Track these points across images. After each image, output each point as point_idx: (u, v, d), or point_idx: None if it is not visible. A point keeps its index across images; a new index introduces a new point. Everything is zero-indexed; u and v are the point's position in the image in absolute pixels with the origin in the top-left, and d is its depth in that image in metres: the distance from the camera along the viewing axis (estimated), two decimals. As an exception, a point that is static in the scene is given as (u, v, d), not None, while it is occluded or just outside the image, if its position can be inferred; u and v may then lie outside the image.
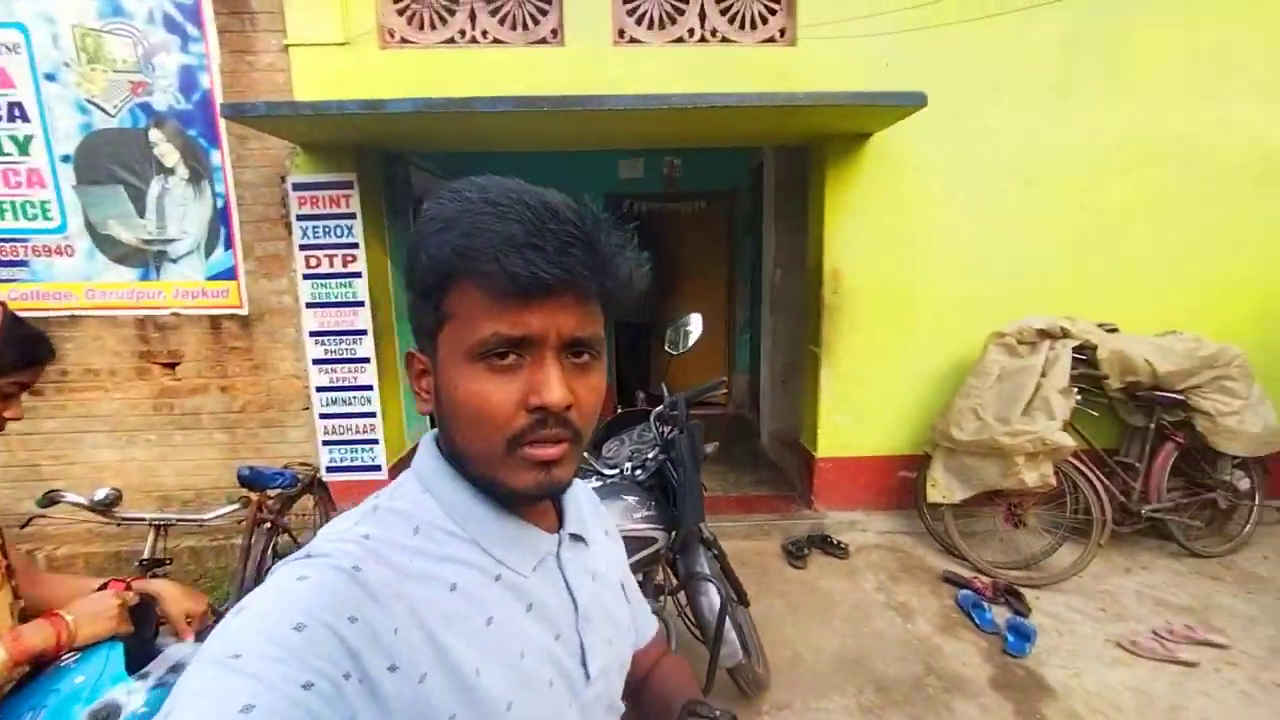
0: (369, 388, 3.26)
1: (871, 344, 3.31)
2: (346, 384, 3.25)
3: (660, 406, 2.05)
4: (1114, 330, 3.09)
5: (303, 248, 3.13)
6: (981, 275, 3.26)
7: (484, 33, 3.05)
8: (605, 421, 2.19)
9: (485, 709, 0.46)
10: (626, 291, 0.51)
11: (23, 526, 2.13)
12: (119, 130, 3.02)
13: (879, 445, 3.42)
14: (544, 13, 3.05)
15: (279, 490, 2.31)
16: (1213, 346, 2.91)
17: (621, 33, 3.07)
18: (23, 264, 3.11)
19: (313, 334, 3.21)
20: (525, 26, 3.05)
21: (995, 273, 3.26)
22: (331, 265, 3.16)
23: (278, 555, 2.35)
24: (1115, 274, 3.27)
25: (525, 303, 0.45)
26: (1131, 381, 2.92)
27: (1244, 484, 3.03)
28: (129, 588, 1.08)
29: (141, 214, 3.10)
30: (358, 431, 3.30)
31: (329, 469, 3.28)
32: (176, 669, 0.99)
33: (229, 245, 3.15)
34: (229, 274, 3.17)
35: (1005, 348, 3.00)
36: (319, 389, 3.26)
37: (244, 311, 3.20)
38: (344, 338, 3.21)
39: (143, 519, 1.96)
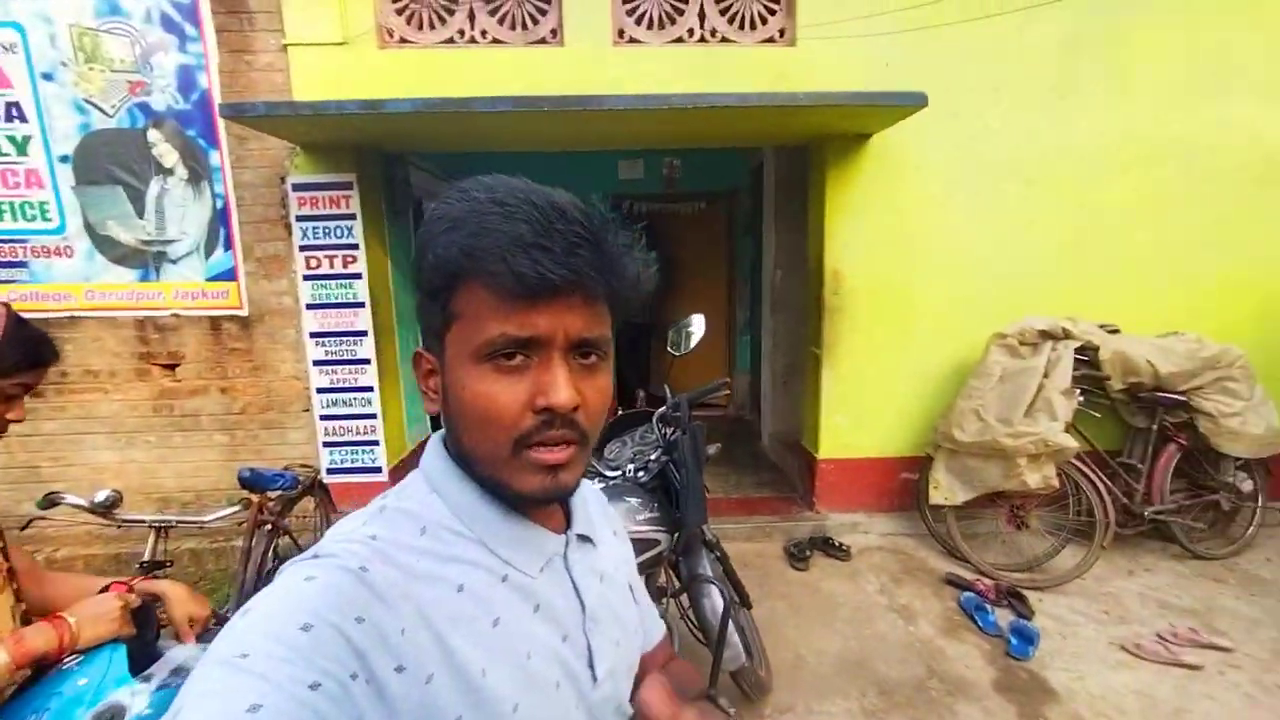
0: (369, 389, 3.25)
1: (872, 345, 3.31)
2: (347, 385, 3.24)
3: (663, 408, 2.04)
4: (1115, 331, 3.08)
5: (303, 248, 3.12)
6: (982, 276, 3.25)
7: (483, 32, 3.04)
8: (607, 423, 2.17)
9: (492, 710, 0.46)
10: (634, 292, 0.50)
11: (23, 528, 2.13)
12: (117, 130, 3.01)
13: (880, 446, 3.41)
14: (543, 12, 3.04)
15: (279, 492, 2.31)
16: (1214, 347, 2.90)
17: (621, 33, 3.06)
18: (22, 265, 3.10)
19: (313, 335, 3.20)
20: (524, 26, 3.05)
21: (996, 273, 3.25)
22: (332, 266, 3.15)
23: (278, 557, 2.35)
24: (1116, 274, 3.26)
25: (533, 303, 0.45)
26: (1133, 382, 2.91)
27: (1246, 486, 3.02)
28: (131, 589, 1.07)
29: (140, 214, 3.09)
30: (358, 433, 3.29)
31: (330, 471, 3.27)
32: (179, 671, 0.98)
33: (229, 246, 3.14)
34: (229, 275, 3.16)
35: (1007, 348, 2.99)
36: (319, 390, 3.25)
37: (244, 312, 3.19)
38: (344, 339, 3.20)
39: (143, 521, 1.95)
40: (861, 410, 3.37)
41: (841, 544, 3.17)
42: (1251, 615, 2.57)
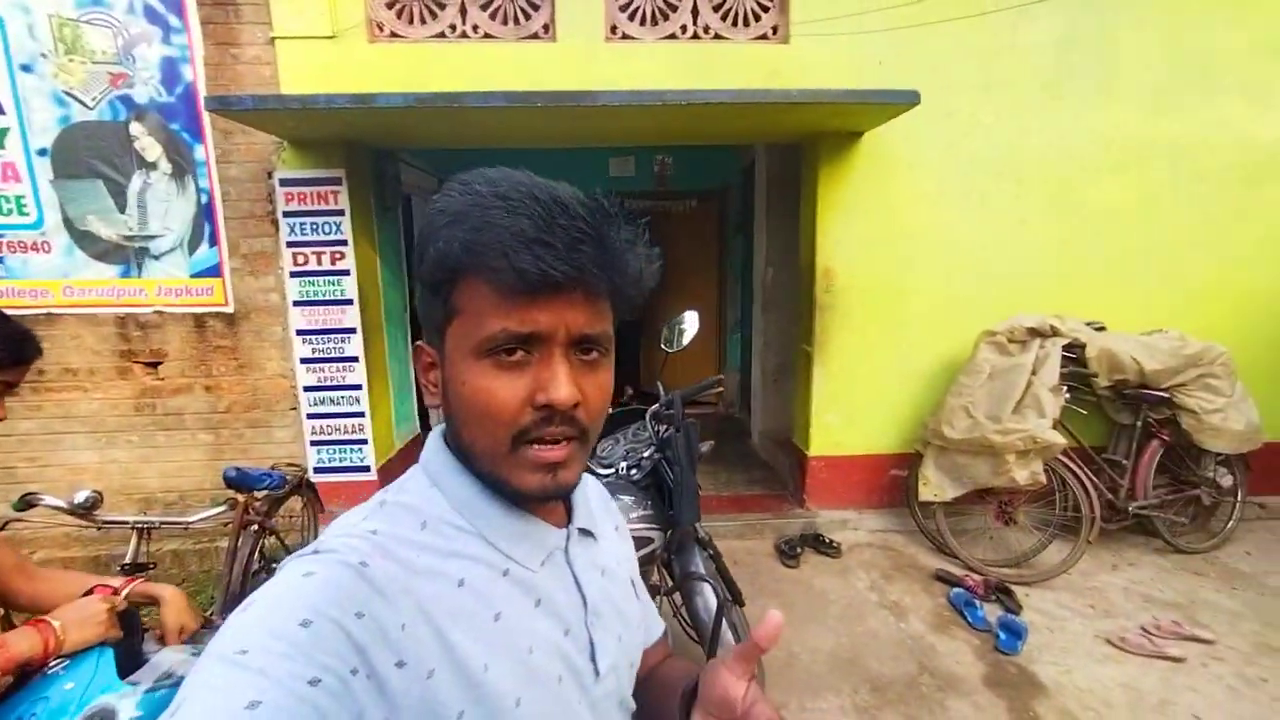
0: (358, 387, 3.22)
1: (863, 342, 3.32)
2: (335, 383, 3.20)
3: (656, 405, 2.03)
4: (1102, 329, 3.12)
5: (290, 244, 3.08)
6: (973, 274, 3.29)
7: (474, 27, 3.01)
8: (599, 421, 2.16)
9: (493, 705, 0.45)
10: (636, 289, 0.50)
11: (-1, 530, 2.07)
12: (98, 123, 2.95)
13: (871, 444, 3.43)
14: (535, 8, 3.02)
15: (266, 492, 2.27)
16: (1197, 345, 2.95)
17: (614, 28, 3.05)
18: (-3, 260, 3.03)
19: (300, 332, 3.15)
20: (516, 21, 3.02)
21: (986, 271, 3.28)
22: (319, 262, 3.10)
23: (265, 558, 2.31)
24: (1103, 273, 3.31)
25: (534, 300, 0.45)
26: (1119, 379, 2.96)
27: (1227, 481, 3.08)
28: (117, 591, 1.05)
29: (122, 209, 3.02)
30: (346, 432, 3.25)
31: (317, 470, 3.23)
32: (169, 676, 0.97)
33: (214, 242, 3.09)
34: (214, 271, 3.11)
35: (996, 346, 3.02)
36: (306, 388, 3.20)
37: (229, 309, 3.14)
38: (332, 336, 3.16)
39: (125, 522, 1.90)
40: (852, 408, 3.39)
41: (832, 541, 3.18)
42: (1232, 608, 2.62)
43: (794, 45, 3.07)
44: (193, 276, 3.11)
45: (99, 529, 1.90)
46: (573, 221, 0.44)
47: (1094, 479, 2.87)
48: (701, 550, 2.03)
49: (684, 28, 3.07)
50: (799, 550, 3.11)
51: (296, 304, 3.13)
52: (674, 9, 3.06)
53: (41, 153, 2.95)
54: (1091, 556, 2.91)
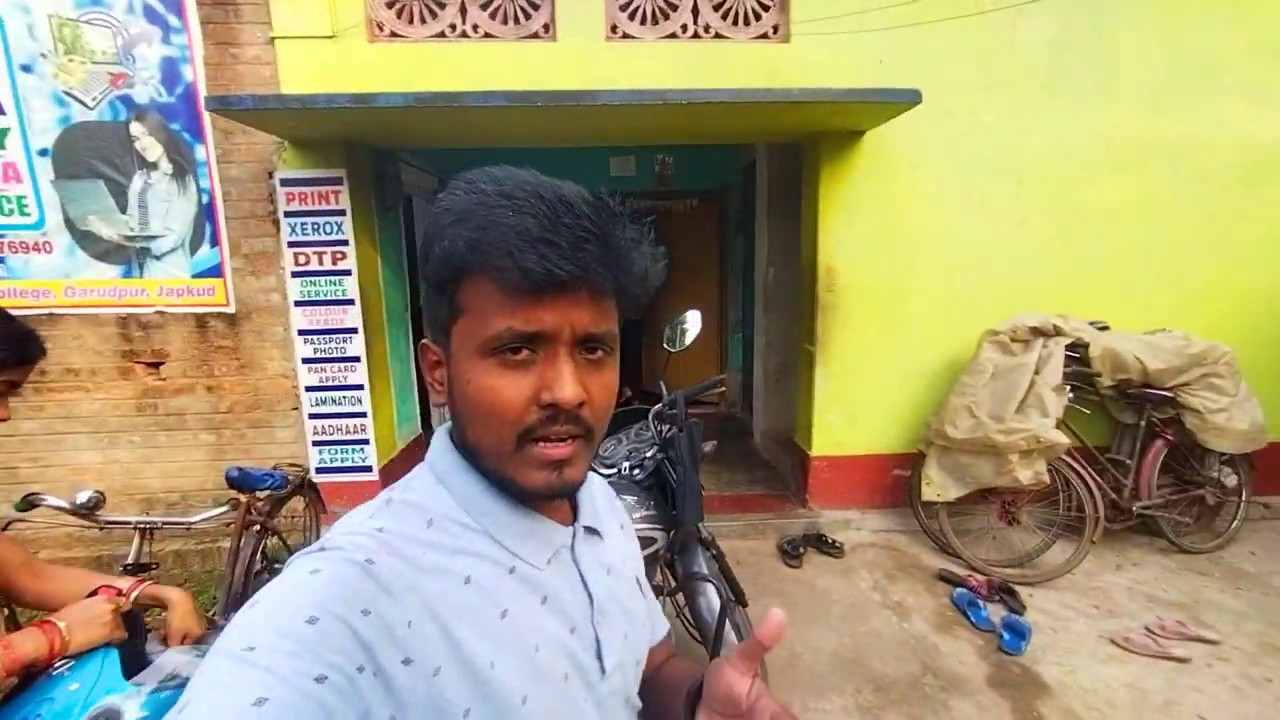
0: (359, 387, 3.21)
1: (866, 342, 3.32)
2: (336, 383, 3.20)
3: (659, 405, 2.03)
4: (1105, 328, 3.11)
5: (291, 244, 3.07)
6: (974, 273, 3.28)
7: (475, 27, 3.01)
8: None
9: (500, 702, 0.45)
10: (642, 287, 0.50)
11: (1, 530, 2.07)
12: (99, 123, 2.94)
13: (873, 444, 3.42)
14: (536, 7, 3.01)
15: (268, 492, 2.26)
16: (1201, 344, 2.94)
17: (614, 28, 3.04)
18: (-1, 260, 3.03)
19: (302, 332, 3.15)
20: (516, 21, 3.01)
21: (988, 270, 3.27)
22: (321, 262, 3.10)
23: (267, 558, 2.31)
24: (1104, 272, 3.30)
25: (539, 299, 0.45)
26: (1122, 379, 2.94)
27: (1231, 480, 3.07)
28: (121, 593, 1.05)
29: (123, 209, 3.02)
30: (348, 432, 3.25)
31: (319, 470, 3.23)
32: (174, 677, 0.97)
33: (215, 242, 3.08)
34: (215, 271, 3.11)
35: (999, 345, 3.01)
36: (308, 388, 3.20)
37: (231, 310, 3.14)
38: (334, 336, 3.15)
39: (127, 522, 1.91)
40: (854, 407, 3.38)
41: (835, 541, 3.17)
42: (1237, 608, 2.61)
43: (794, 44, 3.06)
44: (194, 277, 3.10)
45: (101, 529, 1.90)
46: (578, 220, 0.44)
47: (1098, 479, 2.85)
48: (704, 550, 2.02)
49: (684, 27, 3.06)
50: (802, 550, 3.11)
51: (298, 304, 3.13)
52: (674, 8, 3.05)
53: (42, 153, 2.95)
54: (1095, 556, 2.90)
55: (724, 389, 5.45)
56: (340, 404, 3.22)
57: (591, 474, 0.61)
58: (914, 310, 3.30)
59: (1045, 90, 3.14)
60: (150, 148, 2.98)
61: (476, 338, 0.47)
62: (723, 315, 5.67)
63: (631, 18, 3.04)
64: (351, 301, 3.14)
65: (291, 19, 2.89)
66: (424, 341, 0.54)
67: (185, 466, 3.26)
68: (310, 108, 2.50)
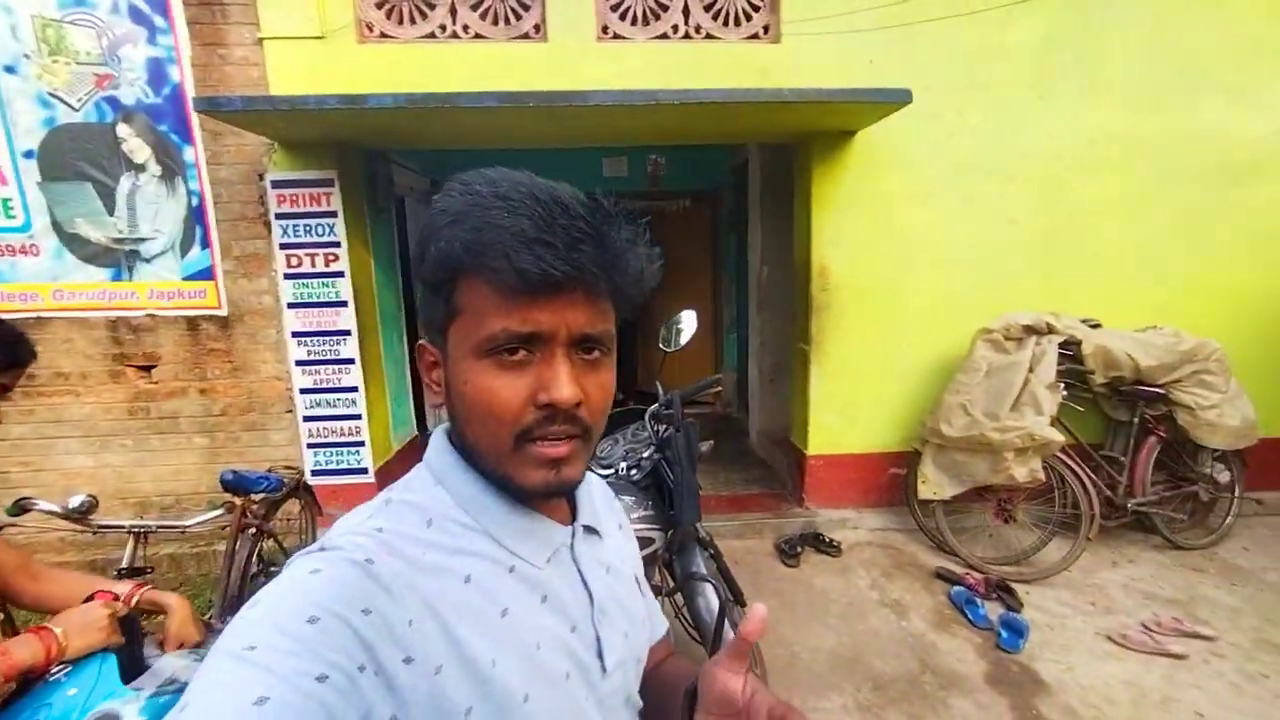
0: (354, 389, 3.19)
1: (860, 341, 3.32)
2: (330, 385, 3.17)
3: (655, 405, 2.02)
4: (1097, 326, 3.12)
5: (283, 247, 3.05)
6: (967, 271, 3.28)
7: (465, 27, 2.99)
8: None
9: (502, 701, 0.46)
10: (637, 288, 0.50)
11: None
12: (84, 125, 2.91)
13: (869, 442, 3.42)
14: (526, 8, 3.00)
15: (263, 495, 2.24)
16: (1192, 341, 2.96)
17: (605, 28, 3.04)
18: (-15, 265, 2.99)
19: (295, 335, 3.13)
20: (507, 21, 3.00)
21: (980, 269, 3.28)
22: (313, 264, 3.08)
23: (263, 561, 2.29)
24: (1095, 269, 3.31)
25: (534, 299, 0.45)
26: (1115, 376, 2.96)
27: (1224, 476, 3.08)
28: (117, 598, 1.05)
29: (111, 212, 2.99)
30: (343, 434, 3.23)
31: (314, 472, 3.20)
32: (173, 682, 0.96)
33: (206, 244, 3.06)
34: (206, 274, 3.08)
35: (993, 344, 3.02)
36: (302, 391, 3.18)
37: (223, 312, 3.11)
38: (327, 338, 3.13)
39: (121, 526, 1.89)
40: (850, 406, 3.38)
41: (832, 540, 3.17)
42: (1232, 604, 2.62)
43: (785, 44, 3.06)
44: (185, 279, 3.07)
45: (94, 534, 1.88)
46: (573, 221, 0.45)
47: (1092, 476, 2.87)
48: (702, 550, 2.02)
49: (675, 27, 3.05)
50: (799, 549, 3.10)
51: (291, 306, 3.10)
52: (665, 9, 3.04)
53: (27, 155, 2.91)
54: (1091, 554, 2.91)
55: (720, 389, 5.45)
56: (335, 406, 3.20)
57: (590, 474, 0.61)
58: (908, 309, 3.31)
59: (1034, 90, 3.16)
60: (138, 149, 2.95)
61: (473, 338, 0.47)
62: (717, 315, 5.67)
63: (622, 18, 3.04)
64: (345, 303, 3.12)
65: (280, 20, 2.87)
66: (421, 342, 0.54)
67: (179, 470, 3.23)
68: (300, 109, 2.48)
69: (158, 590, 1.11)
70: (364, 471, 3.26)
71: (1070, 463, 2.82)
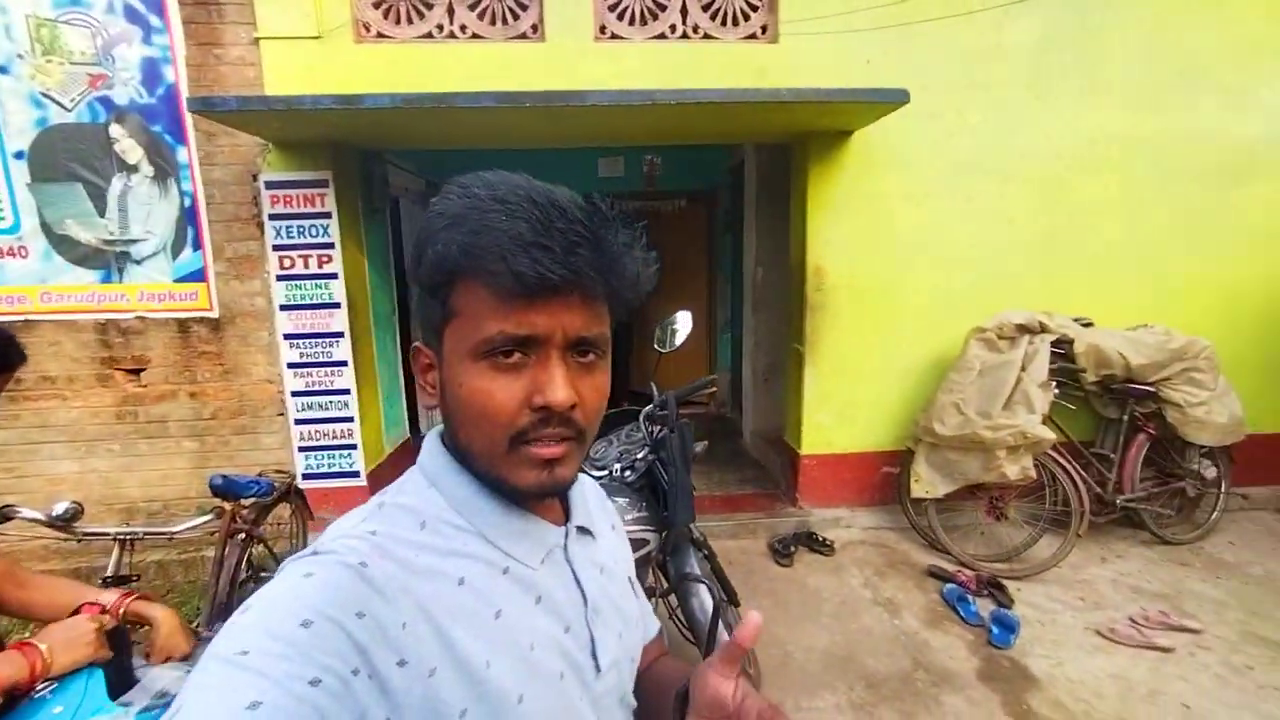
0: (346, 392, 3.18)
1: (855, 341, 3.34)
2: (323, 388, 3.16)
3: (650, 406, 2.02)
4: (1089, 325, 3.16)
5: (276, 248, 3.03)
6: (961, 271, 3.31)
7: (462, 27, 2.99)
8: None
9: (497, 702, 0.46)
10: (633, 291, 0.51)
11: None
12: (77, 125, 2.89)
13: (862, 442, 3.45)
14: (524, 7, 3.00)
15: (253, 499, 2.22)
16: (1182, 339, 3.00)
17: (603, 28, 3.04)
18: (-27, 266, 2.95)
19: (287, 337, 3.11)
20: (505, 21, 3.00)
21: (974, 269, 3.31)
22: (306, 266, 3.06)
23: (253, 567, 2.27)
24: (1088, 269, 3.35)
25: (531, 302, 0.45)
26: (1106, 374, 3.00)
27: (1211, 473, 3.13)
28: (105, 610, 1.03)
29: (102, 213, 2.96)
30: (335, 437, 3.21)
31: (305, 476, 3.19)
32: (163, 694, 0.94)
33: (198, 246, 3.03)
34: (198, 276, 3.05)
35: (985, 343, 3.05)
36: (294, 394, 3.16)
37: (214, 314, 3.09)
38: (320, 340, 3.12)
39: (106, 534, 1.86)
40: (843, 406, 3.41)
41: (825, 539, 3.19)
42: (1217, 597, 2.66)
43: (783, 44, 3.08)
44: (176, 281, 3.05)
45: (79, 541, 1.85)
46: (570, 225, 0.45)
47: (1083, 473, 2.90)
48: (696, 551, 2.03)
49: (673, 27, 3.07)
50: (792, 549, 3.12)
51: (283, 308, 3.08)
52: (663, 8, 3.05)
53: (18, 155, 2.88)
54: (1081, 550, 2.94)
55: (714, 389, 5.46)
56: (327, 409, 3.18)
57: (583, 475, 0.62)
58: (903, 309, 3.33)
59: (1031, 90, 3.19)
60: (130, 150, 2.92)
61: (469, 341, 0.47)
62: (711, 315, 5.68)
63: (620, 18, 3.05)
64: (338, 305, 3.11)
65: (276, 19, 2.86)
66: (416, 344, 0.54)
67: (167, 475, 3.19)
68: (296, 109, 2.47)
69: (143, 600, 1.09)
70: (356, 475, 3.25)
71: (1061, 460, 2.85)
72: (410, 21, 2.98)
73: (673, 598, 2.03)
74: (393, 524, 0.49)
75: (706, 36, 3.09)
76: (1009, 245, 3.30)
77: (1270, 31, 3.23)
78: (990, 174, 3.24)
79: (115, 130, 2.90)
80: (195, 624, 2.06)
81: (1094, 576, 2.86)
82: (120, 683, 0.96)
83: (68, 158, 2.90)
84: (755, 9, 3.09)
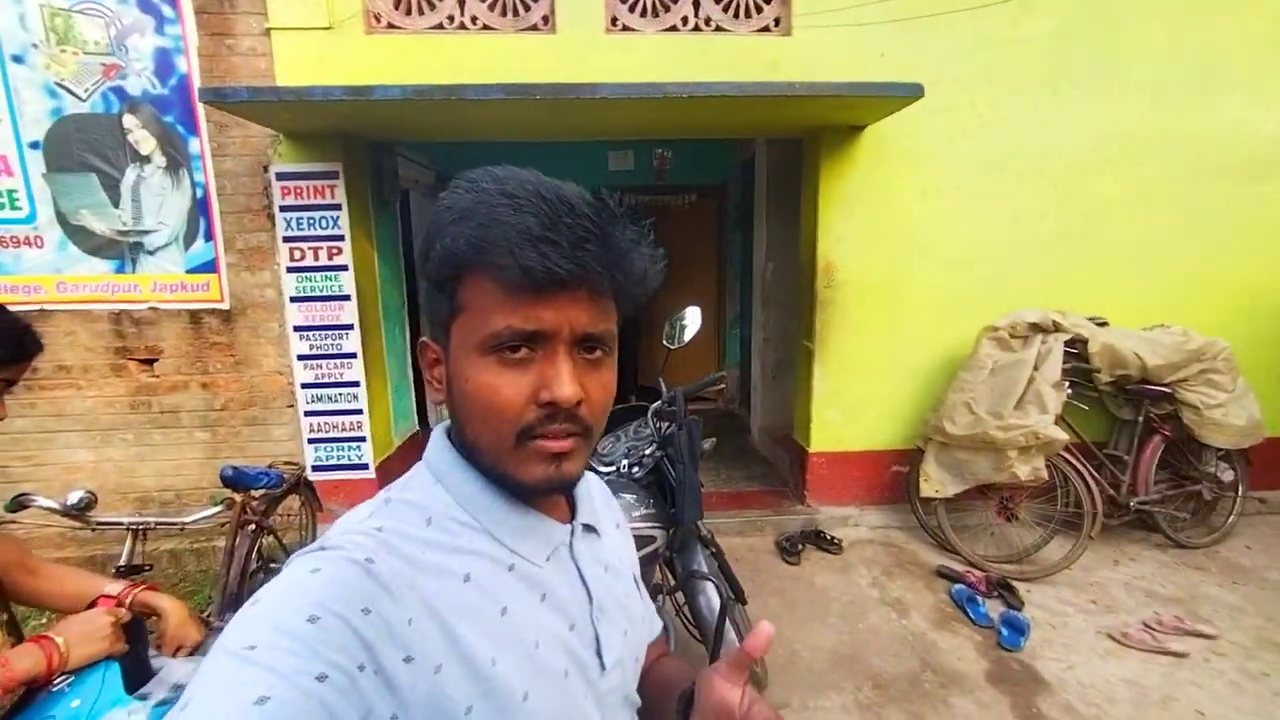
0: (355, 384, 3.19)
1: (864, 338, 3.31)
2: (332, 380, 3.17)
3: (658, 402, 2.01)
4: (1104, 324, 3.11)
5: (286, 239, 3.04)
6: (974, 268, 3.27)
7: (473, 19, 2.97)
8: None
9: (502, 699, 0.46)
10: (641, 287, 0.51)
11: (-8, 530, 2.04)
12: (91, 115, 2.90)
13: (871, 440, 3.42)
14: (535, -1, 2.98)
15: (263, 490, 2.24)
16: (1200, 340, 2.95)
17: (614, 20, 3.01)
18: (-11, 255, 2.98)
19: (297, 329, 3.12)
20: (515, 13, 2.98)
21: (987, 266, 3.27)
22: (316, 258, 3.07)
23: (263, 558, 2.29)
24: (1104, 267, 3.30)
25: (538, 297, 0.45)
26: (1121, 375, 2.95)
27: (1228, 476, 3.08)
28: (122, 603, 1.03)
29: (116, 204, 2.98)
30: (344, 429, 3.22)
31: (315, 468, 3.20)
32: (179, 688, 0.95)
33: (209, 237, 3.05)
34: (209, 267, 3.07)
35: (998, 341, 3.01)
36: (304, 385, 3.17)
37: (225, 306, 3.10)
38: (329, 332, 3.13)
39: (119, 523, 1.88)
40: (853, 403, 3.38)
41: (833, 537, 3.17)
42: (1233, 602, 2.62)
43: (796, 37, 3.04)
44: (188, 272, 3.07)
45: (93, 530, 1.87)
46: (578, 220, 0.45)
47: (1096, 474, 2.86)
48: (704, 548, 2.02)
49: (685, 19, 3.03)
50: (800, 547, 3.10)
51: (293, 300, 3.09)
52: (675, 1, 3.02)
53: (33, 145, 2.90)
54: (1093, 552, 2.90)
55: (723, 386, 5.44)
56: (336, 401, 3.20)
57: (588, 473, 0.62)
58: (913, 306, 3.29)
59: (1047, 84, 3.13)
60: (143, 140, 2.94)
61: (476, 335, 0.47)
62: (721, 311, 5.66)
63: (631, 10, 3.02)
64: (348, 297, 3.11)
65: (287, 10, 2.85)
66: (423, 339, 0.54)
67: (180, 465, 3.23)
68: (306, 100, 2.47)
69: (151, 591, 1.10)
70: (365, 467, 3.26)
71: (1074, 461, 2.81)
72: (421, 12, 2.97)
73: (679, 595, 2.03)
74: (399, 520, 0.49)
75: (718, 29, 3.05)
76: (1023, 242, 3.25)
77: (1293, 25, 3.15)
78: (1005, 169, 3.19)
79: (129, 120, 2.92)
80: (206, 613, 2.08)
81: (1106, 579, 2.82)
82: (137, 675, 0.97)
83: (82, 148, 2.92)
84: (768, 1, 3.05)
